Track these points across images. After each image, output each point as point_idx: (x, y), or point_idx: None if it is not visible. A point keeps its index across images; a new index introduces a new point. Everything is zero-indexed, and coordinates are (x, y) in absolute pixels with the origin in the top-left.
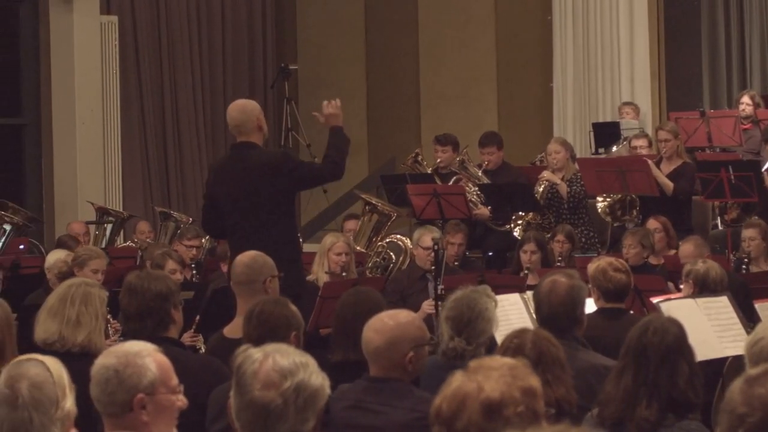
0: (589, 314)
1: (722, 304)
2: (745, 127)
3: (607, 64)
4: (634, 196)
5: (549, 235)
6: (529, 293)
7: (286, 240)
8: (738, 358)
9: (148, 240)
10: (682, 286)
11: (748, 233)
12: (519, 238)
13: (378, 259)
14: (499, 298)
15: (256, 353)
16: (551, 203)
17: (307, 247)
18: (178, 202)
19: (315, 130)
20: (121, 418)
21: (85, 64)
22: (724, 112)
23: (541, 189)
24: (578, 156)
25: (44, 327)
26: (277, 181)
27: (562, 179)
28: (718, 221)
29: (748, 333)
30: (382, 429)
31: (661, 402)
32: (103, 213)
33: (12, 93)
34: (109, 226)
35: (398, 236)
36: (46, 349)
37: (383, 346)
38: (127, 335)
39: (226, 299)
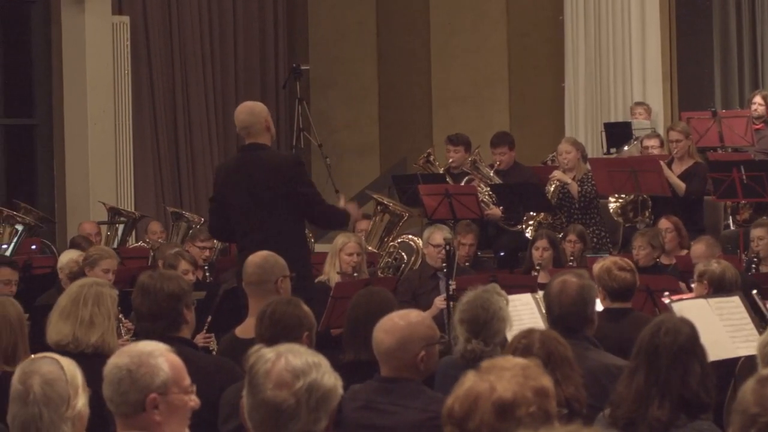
0: None
1: (734, 304)
2: (757, 127)
3: (619, 64)
4: (646, 196)
5: (561, 235)
6: (541, 293)
7: (294, 242)
8: (750, 359)
9: (159, 240)
10: (693, 286)
11: (756, 233)
12: (531, 238)
13: (390, 260)
14: (511, 298)
15: (268, 353)
16: (562, 203)
17: (319, 248)
18: (189, 202)
19: (326, 130)
20: (134, 418)
21: (96, 65)
22: (736, 112)
23: (551, 189)
24: (590, 156)
25: (57, 329)
26: (287, 183)
27: (573, 179)
28: (730, 221)
29: (760, 333)
30: (393, 429)
31: (673, 402)
32: (114, 213)
33: (24, 93)
34: (120, 227)
35: (410, 236)
36: (59, 350)
37: (395, 347)
38: (139, 335)
39: (237, 299)
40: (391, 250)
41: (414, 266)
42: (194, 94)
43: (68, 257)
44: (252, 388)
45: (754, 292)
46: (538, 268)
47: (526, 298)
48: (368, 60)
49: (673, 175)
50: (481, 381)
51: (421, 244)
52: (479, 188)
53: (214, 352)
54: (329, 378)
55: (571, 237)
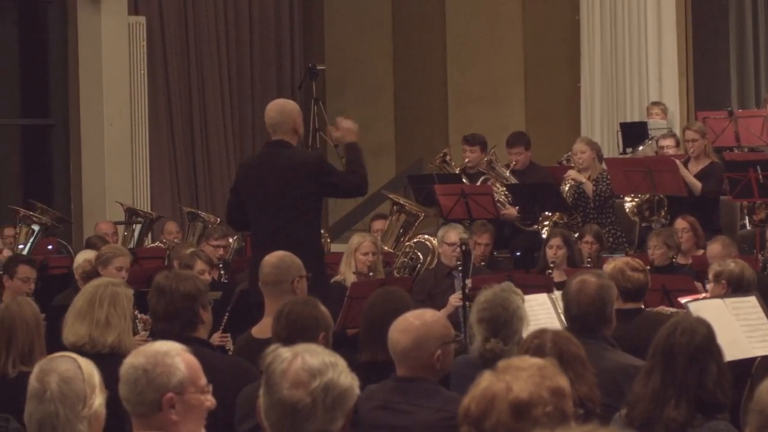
0: None
1: (750, 304)
2: None
3: (635, 63)
4: (662, 196)
5: (577, 236)
6: (557, 293)
7: (307, 243)
8: (766, 358)
9: (176, 240)
10: (708, 287)
11: None
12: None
13: (406, 259)
14: (527, 298)
15: (285, 353)
16: (577, 203)
17: (335, 248)
18: (205, 202)
19: None
20: (150, 418)
21: (112, 65)
22: (752, 112)
23: (566, 188)
24: (605, 156)
25: (73, 330)
26: (306, 183)
27: (588, 178)
28: (747, 221)
29: None
30: (409, 429)
31: (690, 402)
32: (132, 214)
33: (40, 94)
34: (137, 227)
35: (426, 236)
36: (76, 351)
37: (411, 346)
38: (155, 335)
39: (253, 299)
40: (407, 250)
41: (430, 266)
42: (210, 94)
43: (83, 257)
44: (268, 388)
45: None
46: (552, 266)
47: (542, 298)
48: (384, 60)
49: (689, 174)
50: (497, 381)
51: (436, 244)
52: (495, 188)
53: (230, 352)
54: (346, 378)
55: (588, 238)
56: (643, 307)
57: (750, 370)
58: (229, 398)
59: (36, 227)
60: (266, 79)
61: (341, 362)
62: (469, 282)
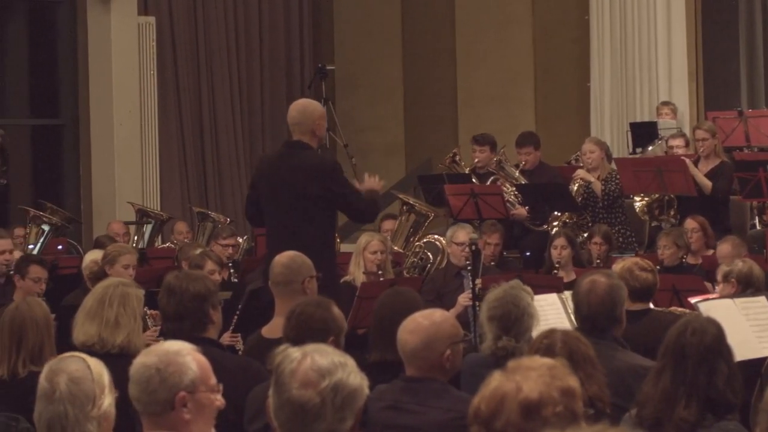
0: None
1: (760, 304)
2: None
3: (645, 63)
4: (672, 195)
5: (586, 236)
6: (567, 293)
7: (319, 245)
8: None
9: (185, 240)
10: (718, 288)
11: None
12: None
13: (415, 259)
14: (537, 298)
15: (294, 352)
16: (587, 202)
17: (344, 248)
18: (215, 202)
19: (352, 130)
20: (162, 417)
21: (122, 65)
22: (762, 112)
23: (575, 187)
24: (615, 156)
25: (83, 330)
26: (317, 186)
27: (597, 178)
28: (757, 221)
29: None
30: (419, 429)
31: (700, 402)
32: (143, 215)
33: (50, 94)
34: (148, 227)
35: (435, 236)
36: (85, 351)
37: (420, 347)
38: (166, 335)
39: (263, 299)
40: (417, 250)
41: (440, 266)
42: (220, 94)
43: (90, 258)
44: (278, 388)
45: None
46: (557, 266)
47: (552, 298)
48: (393, 60)
49: (699, 173)
50: (507, 381)
51: (446, 244)
52: (505, 188)
53: (240, 352)
54: (355, 378)
55: (597, 239)
56: (652, 306)
57: (760, 370)
58: (239, 398)
59: (46, 227)
60: (276, 80)
61: (350, 362)
62: (478, 282)
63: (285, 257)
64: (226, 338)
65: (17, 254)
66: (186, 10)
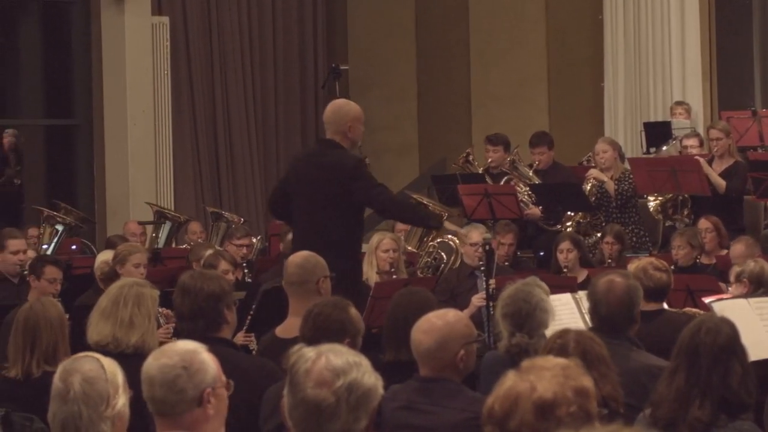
0: None
1: None
2: None
3: (659, 63)
4: (686, 195)
5: (599, 236)
6: (581, 293)
7: (342, 245)
8: None
9: (199, 240)
10: (731, 288)
11: None
12: None
13: (429, 259)
14: (551, 298)
15: (309, 352)
16: (600, 202)
17: None
18: (229, 202)
19: (366, 130)
20: (181, 417)
21: (136, 65)
22: None
23: (588, 187)
24: (629, 156)
25: (97, 329)
26: (341, 185)
27: (611, 178)
28: None
29: None
30: (433, 429)
31: (714, 402)
32: (160, 216)
33: (64, 94)
34: (164, 227)
35: (449, 236)
36: (99, 350)
37: (434, 347)
38: (179, 335)
39: (277, 299)
40: (431, 249)
41: (453, 266)
42: (233, 94)
43: (101, 259)
44: (292, 387)
45: None
46: (565, 270)
47: (566, 297)
48: (407, 60)
49: (713, 172)
50: (521, 381)
51: (459, 244)
52: (518, 188)
53: (254, 352)
54: (370, 377)
55: (609, 239)
56: (666, 307)
57: None
58: (253, 398)
59: (60, 227)
60: (289, 79)
61: (365, 362)
62: (492, 282)
63: (299, 257)
64: (239, 338)
65: (31, 254)
66: (200, 10)
